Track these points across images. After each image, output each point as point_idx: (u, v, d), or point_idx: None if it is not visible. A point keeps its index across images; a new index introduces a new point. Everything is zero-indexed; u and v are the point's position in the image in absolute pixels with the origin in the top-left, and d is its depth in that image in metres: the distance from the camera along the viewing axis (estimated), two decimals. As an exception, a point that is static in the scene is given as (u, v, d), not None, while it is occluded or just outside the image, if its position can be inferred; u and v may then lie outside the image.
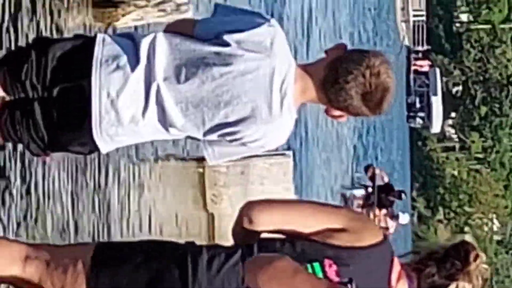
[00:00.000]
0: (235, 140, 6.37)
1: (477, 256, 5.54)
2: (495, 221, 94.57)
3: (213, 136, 6.43)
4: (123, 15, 10.29)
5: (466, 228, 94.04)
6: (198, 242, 6.60)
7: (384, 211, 36.80)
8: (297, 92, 6.33)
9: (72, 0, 9.95)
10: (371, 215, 35.82)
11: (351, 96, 6.08)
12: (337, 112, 6.31)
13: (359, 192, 35.99)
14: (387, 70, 6.19)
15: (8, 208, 8.13)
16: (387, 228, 37.53)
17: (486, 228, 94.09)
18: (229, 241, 12.70)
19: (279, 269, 5.07)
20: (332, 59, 6.26)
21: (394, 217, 37.74)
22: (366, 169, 38.83)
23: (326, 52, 6.39)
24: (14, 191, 8.25)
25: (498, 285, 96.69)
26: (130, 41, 6.42)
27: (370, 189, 36.51)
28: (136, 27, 10.93)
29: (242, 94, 6.29)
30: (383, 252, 5.53)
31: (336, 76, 6.10)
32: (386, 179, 37.99)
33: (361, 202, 36.14)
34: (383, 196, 35.91)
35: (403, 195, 38.59)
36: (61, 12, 9.44)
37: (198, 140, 6.68)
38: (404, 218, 41.37)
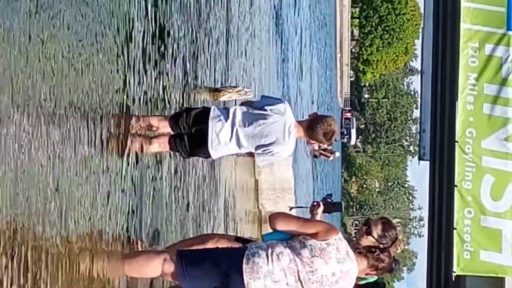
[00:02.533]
0: (269, 153, 7.30)
1: (400, 239, 6.56)
2: (377, 182, 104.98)
3: (259, 151, 7.31)
4: (222, 95, 12.10)
5: (365, 184, 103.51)
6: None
7: (329, 147, 36.98)
8: (295, 132, 7.25)
9: (201, 88, 11.13)
10: (324, 148, 36.92)
11: (319, 135, 7.11)
12: (312, 141, 7.42)
13: None
14: (334, 123, 7.20)
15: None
16: (330, 155, 39.37)
17: (372, 185, 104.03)
18: (262, 187, 17.07)
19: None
20: (311, 118, 7.24)
21: (333, 152, 39.49)
22: None
23: (309, 115, 7.36)
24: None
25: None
26: (225, 110, 7.29)
27: None
28: (228, 101, 12.23)
29: (272, 132, 7.20)
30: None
31: (313, 126, 7.12)
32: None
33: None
34: None
35: (338, 138, 41.21)
36: (197, 94, 10.67)
37: (253, 153, 7.52)
38: (337, 154, 44.83)
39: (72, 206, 5.23)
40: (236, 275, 5.98)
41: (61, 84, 5.12)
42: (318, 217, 8.00)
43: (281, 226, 6.16)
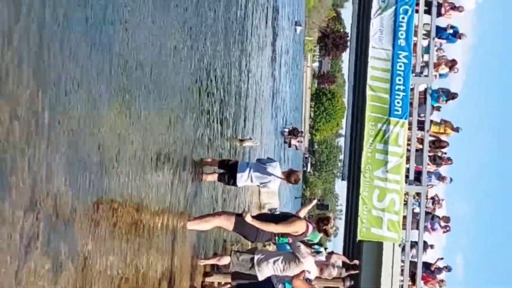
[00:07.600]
0: (266, 186, 6.89)
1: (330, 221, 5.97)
2: (319, 191, 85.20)
3: (261, 185, 6.90)
4: (244, 143, 11.10)
5: (314, 191, 79.68)
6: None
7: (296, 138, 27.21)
8: (282, 175, 6.71)
9: (235, 138, 10.06)
10: (292, 139, 27.08)
11: (291, 181, 6.64)
12: (288, 183, 6.79)
13: (286, 129, 28.38)
14: (299, 175, 6.81)
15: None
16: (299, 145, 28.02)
17: (317, 192, 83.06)
18: (262, 197, 16.15)
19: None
20: (288, 171, 6.78)
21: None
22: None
23: (287, 170, 6.82)
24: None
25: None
26: (246, 163, 6.88)
27: (290, 128, 28.49)
28: (247, 146, 11.28)
29: (268, 176, 6.74)
30: None
31: (288, 176, 6.67)
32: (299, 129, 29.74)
33: (287, 132, 27.78)
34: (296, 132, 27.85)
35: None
36: (233, 142, 9.61)
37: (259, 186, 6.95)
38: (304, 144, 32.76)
39: (163, 197, 5.18)
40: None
41: (162, 142, 5.02)
42: (310, 206, 7.04)
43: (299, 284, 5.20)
